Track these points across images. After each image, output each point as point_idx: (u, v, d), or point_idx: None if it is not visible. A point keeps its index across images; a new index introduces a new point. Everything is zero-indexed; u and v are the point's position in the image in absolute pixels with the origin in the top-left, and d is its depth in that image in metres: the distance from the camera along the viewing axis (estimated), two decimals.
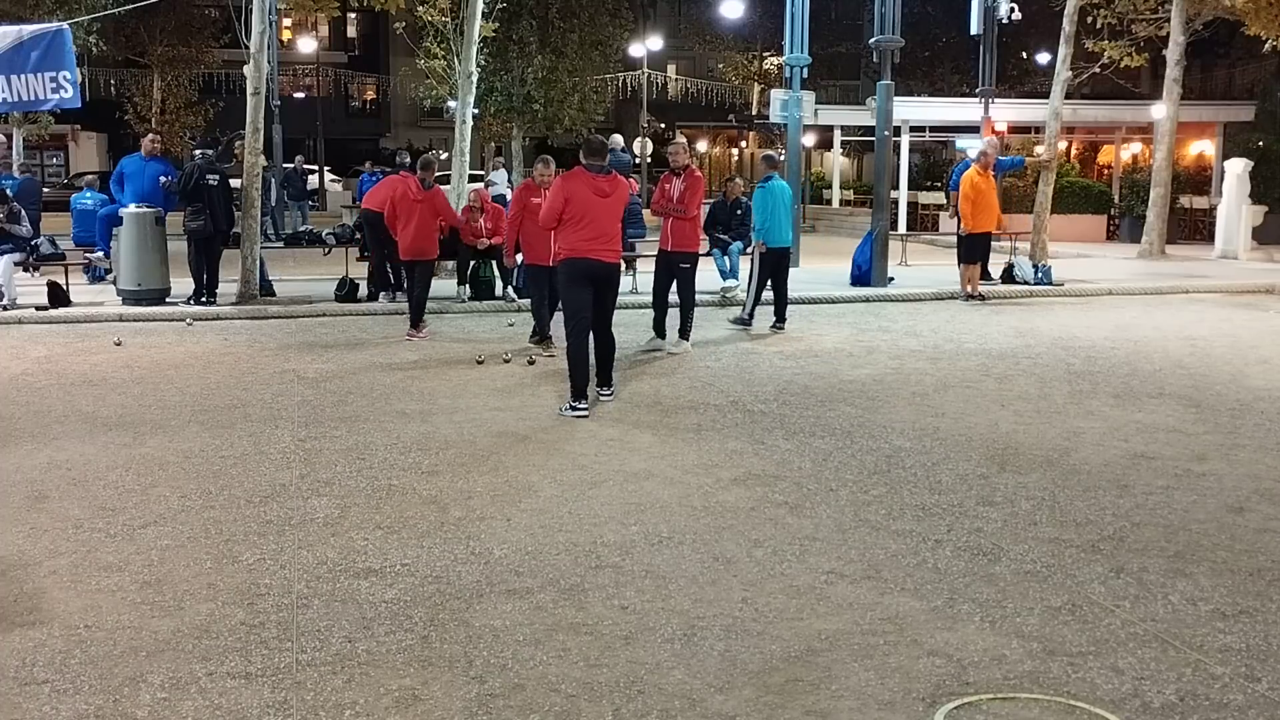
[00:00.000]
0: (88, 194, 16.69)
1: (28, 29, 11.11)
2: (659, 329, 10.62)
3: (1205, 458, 6.90)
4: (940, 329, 12.22)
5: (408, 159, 15.82)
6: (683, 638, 4.24)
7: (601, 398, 8.38)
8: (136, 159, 13.95)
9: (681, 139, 10.77)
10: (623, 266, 8.99)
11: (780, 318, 12.18)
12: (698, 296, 10.96)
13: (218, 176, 12.99)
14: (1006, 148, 18.83)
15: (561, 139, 33.15)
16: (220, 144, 15.47)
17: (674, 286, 10.60)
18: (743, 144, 51.76)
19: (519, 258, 10.90)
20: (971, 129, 24.89)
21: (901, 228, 25.99)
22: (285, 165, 24.85)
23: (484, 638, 4.23)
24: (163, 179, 13.34)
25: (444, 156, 37.62)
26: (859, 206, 34.99)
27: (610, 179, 8.30)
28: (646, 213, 15.18)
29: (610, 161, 17.72)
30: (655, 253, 10.91)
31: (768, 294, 12.26)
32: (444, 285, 15.03)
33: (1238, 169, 21.07)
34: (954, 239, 15.63)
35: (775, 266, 12.12)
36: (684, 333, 10.62)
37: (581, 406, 7.94)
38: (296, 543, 5.28)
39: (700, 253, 11.04)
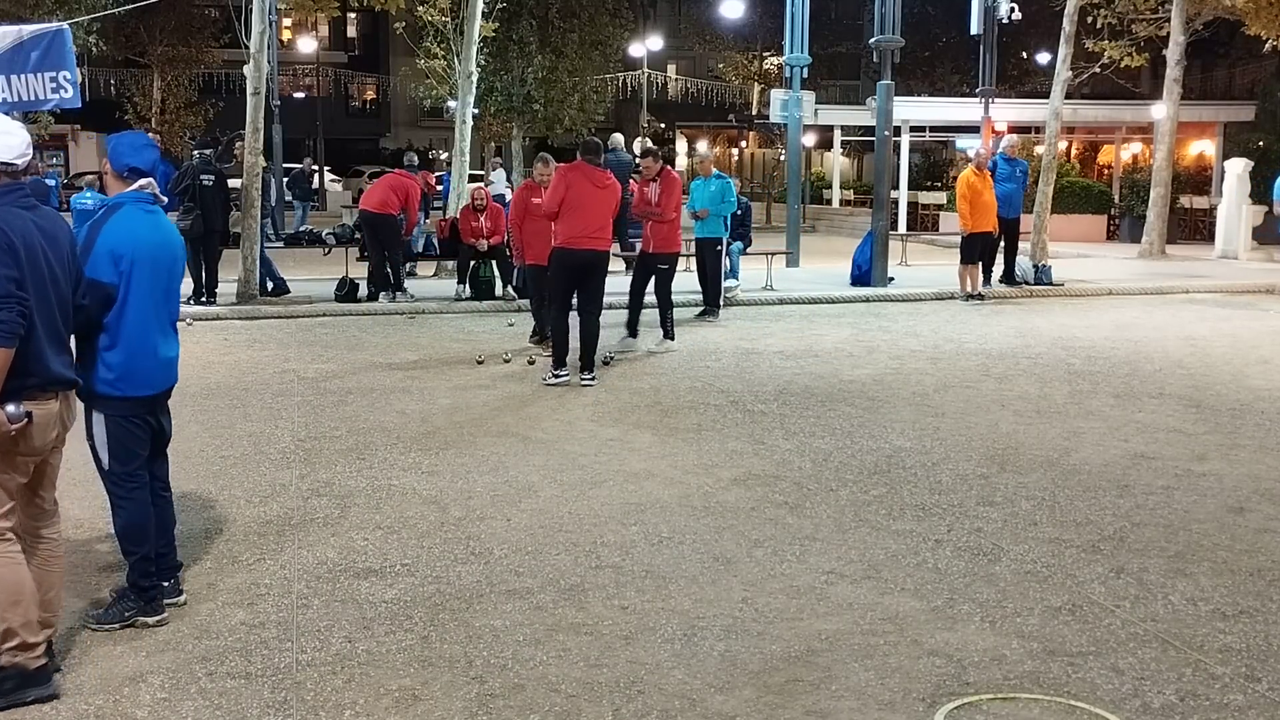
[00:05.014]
0: (88, 194, 16.65)
1: (28, 29, 11.06)
2: (632, 329, 10.95)
3: (1205, 458, 6.90)
4: (940, 329, 12.22)
5: (415, 160, 15.80)
6: (683, 638, 4.24)
7: (583, 383, 8.91)
8: None
9: (654, 148, 11.24)
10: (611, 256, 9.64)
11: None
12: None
13: (213, 177, 12.95)
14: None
15: (561, 139, 33.13)
16: (220, 144, 15.41)
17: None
18: (743, 144, 51.73)
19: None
20: (971, 129, 24.90)
21: (901, 228, 25.96)
22: (291, 166, 24.79)
23: (484, 638, 4.23)
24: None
25: (444, 157, 37.64)
26: (859, 206, 34.98)
27: (605, 174, 9.15)
28: None
29: (611, 160, 17.74)
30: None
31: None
32: (443, 285, 15.04)
33: (1238, 169, 21.06)
34: (958, 239, 15.60)
35: None
36: (667, 332, 10.85)
37: (562, 374, 8.94)
38: (296, 543, 5.28)
39: (681, 253, 11.45)
